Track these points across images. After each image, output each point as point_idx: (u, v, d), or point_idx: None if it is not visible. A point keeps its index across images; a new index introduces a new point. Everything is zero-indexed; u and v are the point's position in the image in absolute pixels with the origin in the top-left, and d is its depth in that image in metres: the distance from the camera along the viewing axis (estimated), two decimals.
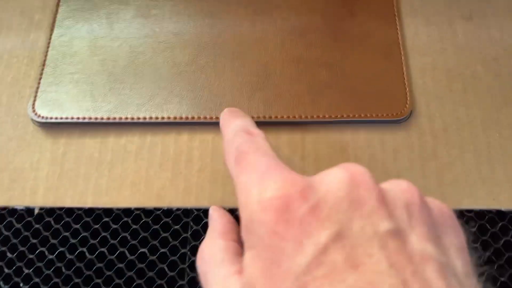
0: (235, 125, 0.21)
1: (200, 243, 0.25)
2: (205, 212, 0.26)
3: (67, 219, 0.26)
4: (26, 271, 0.25)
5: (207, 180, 0.26)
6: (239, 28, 0.29)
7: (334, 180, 0.15)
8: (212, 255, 0.19)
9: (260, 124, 0.26)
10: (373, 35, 0.28)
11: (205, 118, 0.27)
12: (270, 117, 0.27)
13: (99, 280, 0.25)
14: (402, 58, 0.28)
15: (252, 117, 0.26)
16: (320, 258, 0.14)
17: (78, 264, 0.25)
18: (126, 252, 0.25)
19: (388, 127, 0.26)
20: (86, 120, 0.27)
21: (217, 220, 0.22)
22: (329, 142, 0.26)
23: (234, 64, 0.28)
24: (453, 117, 0.26)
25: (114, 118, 0.27)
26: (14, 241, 0.26)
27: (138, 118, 0.27)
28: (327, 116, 0.26)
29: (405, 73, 0.27)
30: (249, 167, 0.18)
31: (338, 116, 0.26)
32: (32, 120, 0.27)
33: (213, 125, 0.27)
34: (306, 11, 0.30)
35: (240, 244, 0.20)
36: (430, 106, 0.27)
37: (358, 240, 0.14)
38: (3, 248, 0.26)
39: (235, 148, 0.19)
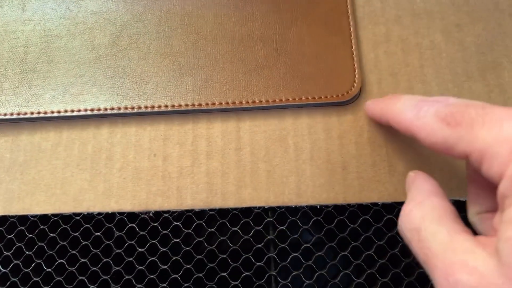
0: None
1: (123, 250, 0.22)
2: (130, 216, 0.23)
3: None
4: None
5: (130, 179, 0.23)
6: (165, 2, 0.26)
7: None
8: (425, 213, 0.16)
9: (189, 112, 0.23)
10: (319, 5, 0.25)
11: (126, 108, 0.23)
12: (200, 104, 0.23)
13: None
14: (351, 29, 0.24)
15: (180, 105, 0.23)
16: None
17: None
18: (43, 264, 0.22)
19: (333, 110, 0.23)
20: None
21: (422, 182, 0.18)
22: (266, 131, 0.23)
23: (159, 45, 0.25)
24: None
25: (26, 113, 0.24)
26: None
27: (52, 112, 0.24)
28: (263, 100, 0.23)
29: (353, 47, 0.24)
30: None
31: (277, 100, 0.23)
32: None
33: (136, 116, 0.24)
34: None
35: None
36: (382, 84, 0.23)
37: None
38: None
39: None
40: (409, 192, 0.18)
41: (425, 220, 0.16)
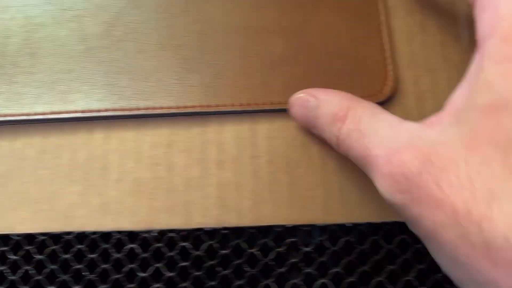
0: None
1: (122, 276, 0.19)
2: (130, 236, 0.20)
3: None
4: None
5: (128, 193, 0.20)
6: None
7: None
8: (360, 114, 0.16)
9: (196, 114, 0.20)
10: None
11: (123, 109, 0.20)
12: (209, 106, 0.20)
13: None
14: (382, 18, 0.21)
15: (185, 107, 0.20)
16: None
17: None
18: None
19: None
20: None
21: (333, 95, 0.18)
22: (287, 137, 0.20)
23: (160, 35, 0.21)
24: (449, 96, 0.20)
25: (6, 115, 0.21)
26: None
27: (36, 114, 0.20)
28: (283, 101, 0.20)
29: (385, 40, 0.21)
30: None
31: None
32: None
33: (135, 119, 0.21)
34: None
35: None
36: (419, 82, 0.20)
37: None
38: None
39: None
40: (327, 109, 0.17)
41: (362, 122, 0.16)
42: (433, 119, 0.15)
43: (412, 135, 0.14)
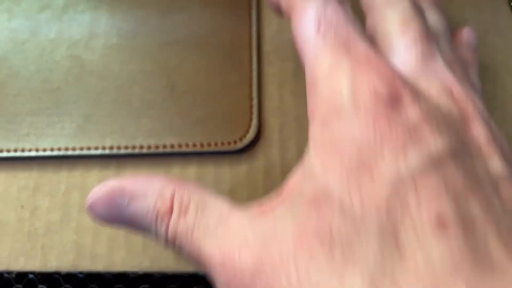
0: None
1: None
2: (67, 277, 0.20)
3: None
4: None
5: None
6: (53, 29, 0.23)
7: None
8: (190, 199, 0.14)
9: (64, 158, 0.20)
10: (219, 35, 0.22)
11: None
12: (74, 148, 0.20)
13: None
14: (254, 65, 0.21)
15: (52, 149, 0.20)
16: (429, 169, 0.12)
17: None
18: None
19: (226, 160, 0.20)
20: None
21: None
22: None
23: (39, 79, 0.22)
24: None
25: None
26: None
27: None
28: (146, 146, 0.20)
29: (254, 86, 0.21)
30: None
31: (161, 146, 0.20)
32: None
33: (6, 161, 0.21)
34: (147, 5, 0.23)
35: None
36: (284, 129, 0.20)
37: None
38: None
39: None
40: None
41: (189, 213, 0.14)
42: (267, 205, 0.14)
43: (244, 232, 0.13)
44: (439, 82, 0.14)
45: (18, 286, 0.20)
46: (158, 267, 0.19)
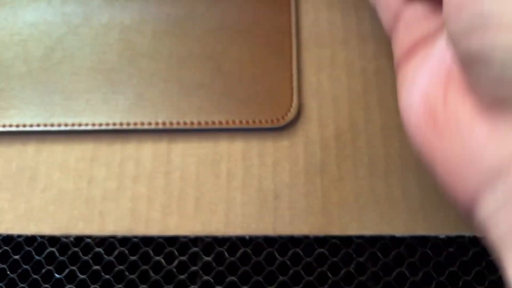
0: None
1: (39, 276, 0.21)
2: (51, 240, 0.22)
3: None
4: None
5: (52, 201, 0.22)
6: (104, 15, 0.24)
7: None
8: None
9: (118, 132, 0.22)
10: (262, 24, 0.24)
11: (53, 125, 0.22)
12: (129, 124, 0.22)
13: None
14: (294, 50, 0.23)
15: (108, 124, 0.22)
16: None
17: None
18: None
19: (269, 136, 0.22)
20: None
21: None
22: (199, 155, 0.22)
23: (93, 60, 0.23)
24: (348, 122, 0.22)
25: None
26: None
27: None
28: (196, 122, 0.22)
29: (294, 70, 0.23)
30: None
31: (210, 122, 0.22)
32: None
33: (64, 134, 0.23)
34: None
35: None
36: (323, 109, 0.22)
37: None
38: None
39: None
40: None
41: None
42: None
43: None
44: None
45: (75, 249, 0.21)
46: (209, 231, 0.21)
